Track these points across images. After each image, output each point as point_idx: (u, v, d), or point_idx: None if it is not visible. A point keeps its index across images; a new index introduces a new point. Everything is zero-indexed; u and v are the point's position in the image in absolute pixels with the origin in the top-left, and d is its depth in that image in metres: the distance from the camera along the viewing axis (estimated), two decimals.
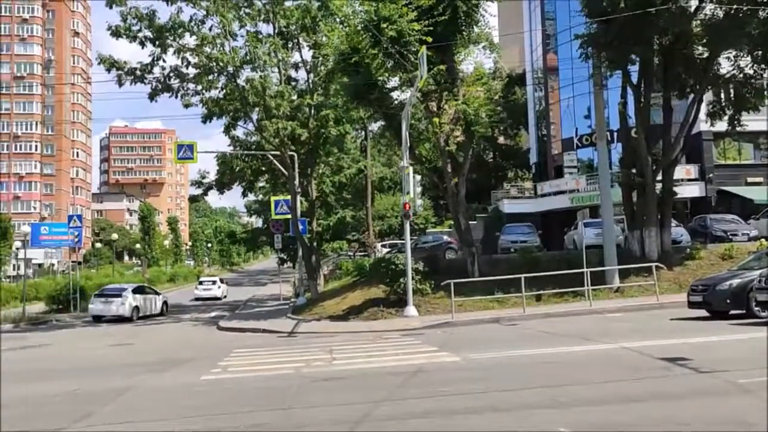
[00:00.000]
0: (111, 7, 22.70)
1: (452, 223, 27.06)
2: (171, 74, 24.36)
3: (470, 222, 25.66)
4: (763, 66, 21.27)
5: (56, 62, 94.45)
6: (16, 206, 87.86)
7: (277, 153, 27.67)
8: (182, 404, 8.66)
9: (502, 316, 17.62)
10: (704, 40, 21.06)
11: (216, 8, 23.20)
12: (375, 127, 40.74)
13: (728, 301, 14.25)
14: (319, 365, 11.42)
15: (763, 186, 31.72)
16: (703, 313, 14.90)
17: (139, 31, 23.21)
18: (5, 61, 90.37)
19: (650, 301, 18.00)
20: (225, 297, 43.93)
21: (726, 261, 20.39)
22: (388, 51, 19.63)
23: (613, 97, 24.99)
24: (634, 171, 22.74)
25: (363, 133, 44.26)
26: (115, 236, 65.11)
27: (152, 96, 24.51)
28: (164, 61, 24.03)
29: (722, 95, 23.48)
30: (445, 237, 31.39)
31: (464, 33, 21.21)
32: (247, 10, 24.91)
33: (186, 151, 25.61)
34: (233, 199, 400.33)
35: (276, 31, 26.43)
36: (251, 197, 50.90)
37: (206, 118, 25.80)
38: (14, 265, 54.04)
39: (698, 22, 21.11)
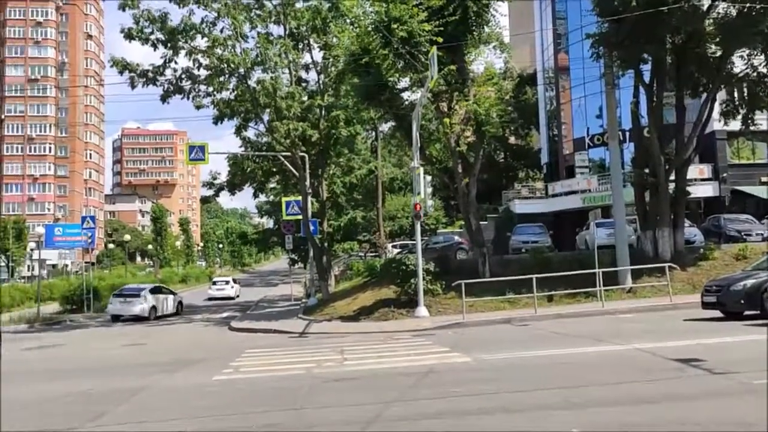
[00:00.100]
0: (124, 10, 23.05)
1: (463, 223, 26.98)
2: (183, 76, 24.57)
3: (481, 222, 25.62)
4: None
5: (70, 65, 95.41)
6: (31, 207, 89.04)
7: (288, 154, 27.73)
8: (194, 404, 8.71)
9: (513, 317, 17.56)
10: (717, 39, 20.90)
11: (227, 10, 23.38)
12: (385, 127, 40.84)
13: (742, 301, 14.13)
14: (331, 366, 11.45)
15: None
16: (717, 314, 14.76)
17: (152, 33, 23.40)
18: (20, 63, 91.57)
19: (663, 302, 17.86)
20: (238, 296, 44.54)
21: (740, 261, 20.23)
22: (398, 51, 19.64)
23: (624, 97, 24.79)
24: (646, 171, 22.58)
25: (374, 133, 44.32)
26: (127, 237, 65.49)
27: (164, 98, 24.70)
28: (176, 63, 24.29)
29: (735, 94, 23.35)
30: (456, 237, 31.28)
31: (475, 33, 21.17)
32: (257, 12, 25.07)
33: (197, 153, 25.72)
34: (244, 200, 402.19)
35: (287, 32, 26.48)
36: (262, 198, 51.13)
37: (217, 120, 25.94)
38: (29, 266, 54.69)
39: (711, 20, 20.98)
